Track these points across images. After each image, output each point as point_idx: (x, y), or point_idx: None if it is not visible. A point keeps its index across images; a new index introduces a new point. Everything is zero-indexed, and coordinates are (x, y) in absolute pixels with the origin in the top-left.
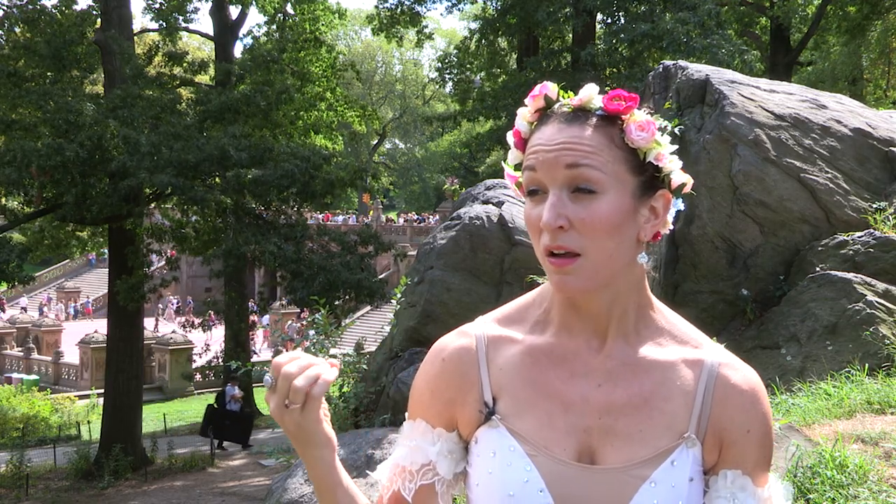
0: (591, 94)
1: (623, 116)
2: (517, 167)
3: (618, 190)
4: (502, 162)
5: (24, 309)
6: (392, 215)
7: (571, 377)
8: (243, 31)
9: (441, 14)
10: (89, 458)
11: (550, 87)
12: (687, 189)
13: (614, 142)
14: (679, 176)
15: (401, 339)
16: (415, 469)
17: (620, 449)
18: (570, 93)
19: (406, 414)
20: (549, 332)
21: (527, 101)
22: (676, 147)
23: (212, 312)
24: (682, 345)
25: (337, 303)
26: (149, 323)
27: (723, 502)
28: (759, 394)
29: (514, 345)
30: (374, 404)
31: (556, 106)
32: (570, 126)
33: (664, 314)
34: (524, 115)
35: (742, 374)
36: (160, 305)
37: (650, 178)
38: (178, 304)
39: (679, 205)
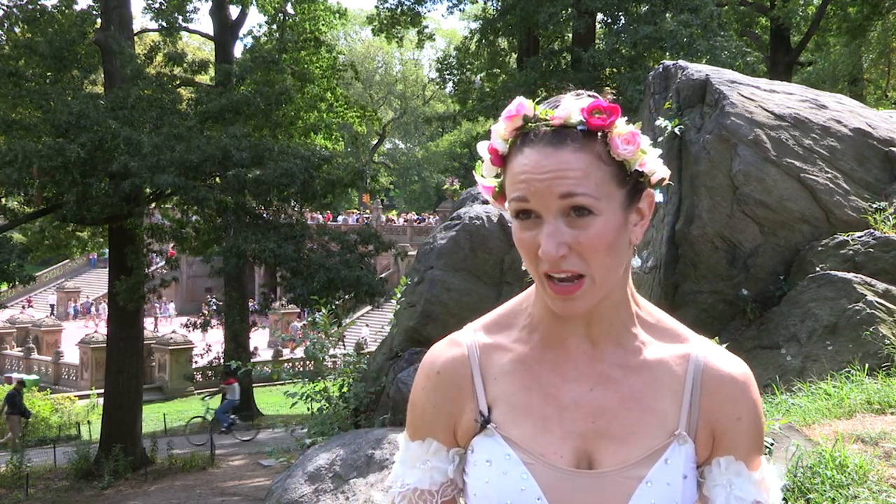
0: (570, 110)
1: (606, 131)
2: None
3: (610, 207)
4: (474, 173)
5: (53, 307)
6: (392, 214)
7: (564, 382)
8: (243, 31)
9: (442, 15)
10: (89, 458)
11: (527, 105)
12: (666, 181)
13: (601, 159)
14: (660, 172)
15: (401, 339)
16: (435, 489)
17: (615, 452)
18: (547, 108)
19: (407, 432)
20: (539, 338)
21: (501, 119)
22: (660, 151)
23: (205, 312)
24: (669, 341)
25: (337, 303)
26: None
27: (720, 490)
28: (747, 382)
29: (505, 352)
30: (374, 404)
31: (534, 124)
32: (555, 150)
33: (650, 311)
34: (500, 133)
35: (728, 364)
36: (157, 305)
37: (635, 184)
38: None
39: (658, 196)
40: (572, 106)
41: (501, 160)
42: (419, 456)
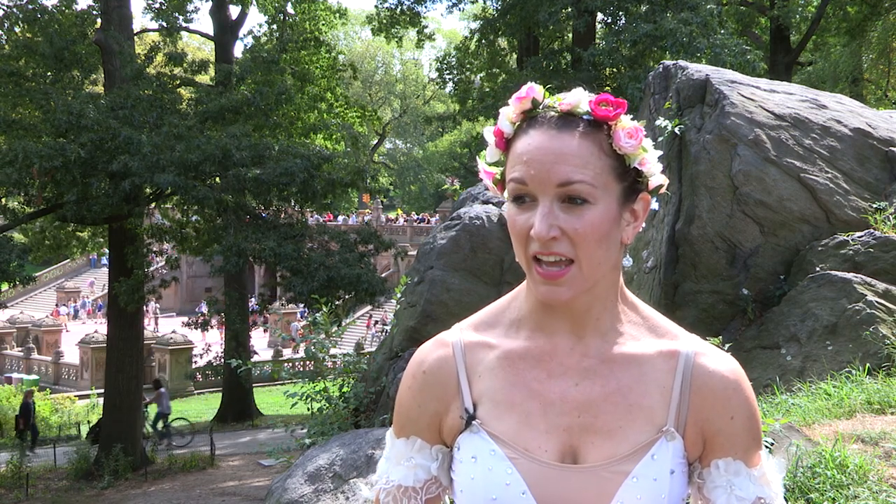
0: (579, 98)
1: (611, 122)
2: (494, 164)
3: (606, 198)
4: (477, 157)
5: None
6: (394, 214)
7: (549, 378)
8: (243, 31)
9: (441, 14)
10: (89, 458)
11: (537, 90)
12: (663, 190)
13: (603, 150)
14: (658, 178)
15: (401, 339)
16: (419, 486)
17: (601, 446)
18: (558, 96)
19: (393, 429)
20: (525, 334)
21: (511, 101)
22: (661, 153)
23: (205, 313)
24: (658, 338)
25: (338, 303)
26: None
27: (720, 492)
28: (738, 380)
29: (490, 350)
30: (374, 404)
31: (542, 109)
32: (559, 134)
33: (639, 308)
34: (508, 116)
35: (719, 361)
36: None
37: (632, 183)
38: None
39: (654, 205)
40: (581, 96)
41: (505, 143)
42: (404, 453)
